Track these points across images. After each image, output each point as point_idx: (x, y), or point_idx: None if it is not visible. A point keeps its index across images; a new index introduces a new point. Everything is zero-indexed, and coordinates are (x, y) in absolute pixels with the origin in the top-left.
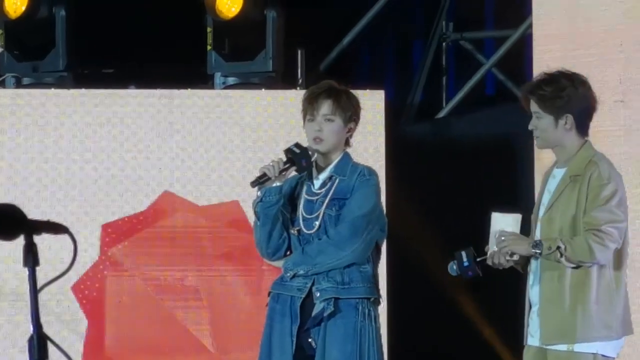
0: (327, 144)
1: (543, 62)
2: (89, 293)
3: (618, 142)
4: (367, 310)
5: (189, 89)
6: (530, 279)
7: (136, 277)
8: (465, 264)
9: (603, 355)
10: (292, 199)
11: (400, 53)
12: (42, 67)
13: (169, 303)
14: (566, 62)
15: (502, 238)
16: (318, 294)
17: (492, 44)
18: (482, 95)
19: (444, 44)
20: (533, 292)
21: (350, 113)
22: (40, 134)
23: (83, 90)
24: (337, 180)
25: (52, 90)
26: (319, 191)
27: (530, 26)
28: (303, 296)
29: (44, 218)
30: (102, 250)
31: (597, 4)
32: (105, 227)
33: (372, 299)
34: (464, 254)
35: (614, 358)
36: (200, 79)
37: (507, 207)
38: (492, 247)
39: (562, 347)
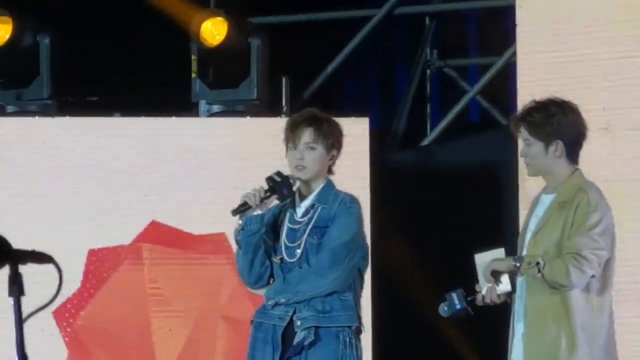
0: (309, 171)
1: (527, 89)
2: (73, 322)
3: (600, 170)
4: (348, 339)
5: (174, 117)
6: (515, 305)
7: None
8: (457, 306)
9: None
10: (275, 227)
11: (384, 80)
12: (26, 94)
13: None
14: (550, 89)
15: (485, 266)
16: (299, 323)
17: (476, 72)
18: (466, 123)
19: (428, 71)
20: (517, 319)
21: (332, 140)
22: (25, 162)
23: (67, 118)
24: (319, 209)
25: (36, 119)
26: (301, 219)
27: (514, 54)
28: (284, 325)
29: (29, 247)
30: (85, 277)
31: (581, 32)
32: (91, 254)
33: (353, 327)
34: (454, 296)
35: None
36: (184, 106)
37: (491, 234)
38: (482, 286)
39: None
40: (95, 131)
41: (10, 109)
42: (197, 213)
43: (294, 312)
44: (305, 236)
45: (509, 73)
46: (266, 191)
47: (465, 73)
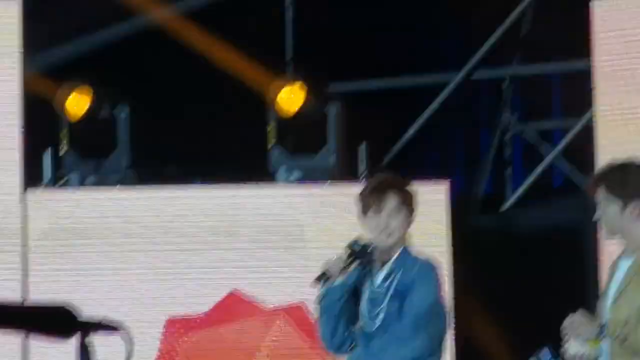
0: (395, 236)
1: (607, 151)
2: None
3: None
4: None
5: (253, 185)
6: None
7: None
8: None
9: None
10: (355, 292)
11: (468, 145)
12: (106, 165)
13: None
14: (629, 151)
15: (572, 321)
16: None
17: (560, 134)
18: (548, 187)
19: (507, 134)
20: None
21: (412, 206)
22: (103, 232)
23: (146, 188)
24: (398, 274)
25: (116, 188)
26: (381, 286)
27: (593, 116)
28: None
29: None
30: (163, 343)
31: None
32: (171, 323)
33: None
34: (547, 351)
35: None
36: (263, 174)
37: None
38: (571, 348)
39: None
40: (174, 201)
41: (90, 179)
42: (277, 283)
43: None
44: (385, 303)
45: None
46: (347, 260)
47: (549, 136)
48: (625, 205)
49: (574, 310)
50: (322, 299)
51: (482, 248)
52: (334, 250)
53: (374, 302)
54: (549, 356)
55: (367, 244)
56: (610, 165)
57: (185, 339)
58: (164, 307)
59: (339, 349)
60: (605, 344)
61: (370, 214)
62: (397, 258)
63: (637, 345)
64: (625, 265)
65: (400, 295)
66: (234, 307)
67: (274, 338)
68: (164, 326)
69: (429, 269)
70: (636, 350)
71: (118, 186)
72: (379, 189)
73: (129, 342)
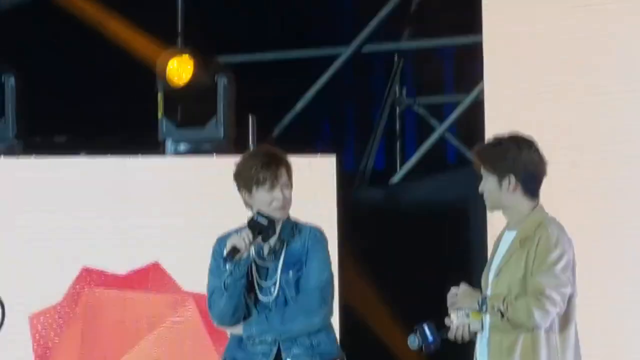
0: (288, 209)
1: (495, 126)
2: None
3: (568, 202)
4: None
5: (141, 156)
6: (479, 344)
7: None
8: (430, 338)
9: None
10: None
11: (359, 119)
12: None
13: None
14: (517, 126)
15: (454, 294)
16: None
17: (451, 109)
18: (440, 161)
19: (397, 108)
20: (481, 354)
21: (292, 176)
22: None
23: (33, 158)
24: (285, 244)
25: (1, 159)
26: (269, 256)
27: (483, 91)
28: None
29: None
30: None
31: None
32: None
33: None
34: (426, 327)
35: None
36: (152, 145)
37: (460, 272)
38: (453, 319)
39: None
40: (61, 171)
41: None
42: (165, 251)
43: (278, 349)
44: (278, 274)
45: (481, 110)
46: (253, 234)
47: (440, 111)
48: (501, 180)
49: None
50: (229, 275)
51: (370, 221)
52: (220, 222)
53: (264, 273)
54: (428, 332)
55: (270, 217)
56: (487, 141)
57: (92, 290)
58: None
59: (236, 323)
60: (486, 318)
61: (263, 188)
62: (281, 228)
63: (515, 319)
64: (508, 238)
65: (294, 266)
66: (152, 276)
67: (177, 319)
68: (78, 274)
69: (319, 236)
70: (515, 324)
71: (2, 156)
72: (274, 164)
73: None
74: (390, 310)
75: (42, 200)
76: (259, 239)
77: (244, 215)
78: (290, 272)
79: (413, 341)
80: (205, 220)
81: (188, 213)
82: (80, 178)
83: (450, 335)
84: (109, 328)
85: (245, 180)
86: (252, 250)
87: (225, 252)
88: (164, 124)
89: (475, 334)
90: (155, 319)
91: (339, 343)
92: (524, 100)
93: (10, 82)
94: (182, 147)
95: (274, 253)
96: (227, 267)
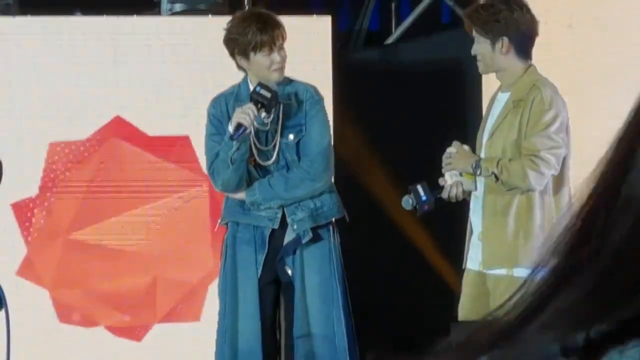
0: (284, 71)
1: None
2: (34, 219)
3: (565, 67)
4: (335, 230)
5: (135, 16)
6: (474, 204)
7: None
8: (423, 198)
9: None
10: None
11: None
12: None
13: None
14: None
15: (449, 155)
16: (295, 226)
17: None
18: (436, 23)
19: None
20: (475, 218)
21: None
22: None
23: (28, 17)
24: (281, 106)
25: None
26: (266, 120)
27: None
28: (276, 226)
29: None
30: (45, 172)
31: None
32: (53, 146)
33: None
34: (419, 188)
35: None
36: (147, 5)
37: (455, 132)
38: (447, 179)
39: (502, 272)
40: (56, 30)
41: None
42: (159, 113)
43: (283, 213)
44: (277, 137)
45: None
46: (257, 107)
47: None
48: (493, 42)
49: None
50: (236, 150)
51: (366, 81)
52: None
53: (262, 137)
54: (422, 192)
55: (271, 87)
56: (478, 4)
57: (118, 141)
58: (47, 135)
59: (238, 190)
60: (480, 179)
61: (261, 52)
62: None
63: (510, 181)
64: (502, 99)
65: (293, 128)
66: (117, 130)
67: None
68: (47, 151)
69: (317, 97)
70: (509, 186)
71: None
72: (271, 27)
73: None
74: (386, 169)
75: (38, 59)
76: (263, 111)
77: (239, 75)
78: (291, 135)
79: (406, 202)
80: (201, 80)
81: (182, 73)
82: (74, 37)
83: (444, 194)
84: (116, 184)
85: (242, 45)
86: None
87: (230, 129)
88: None
89: (469, 193)
90: (164, 189)
91: (340, 202)
92: None
93: None
94: (178, 7)
95: (272, 117)
96: (234, 143)
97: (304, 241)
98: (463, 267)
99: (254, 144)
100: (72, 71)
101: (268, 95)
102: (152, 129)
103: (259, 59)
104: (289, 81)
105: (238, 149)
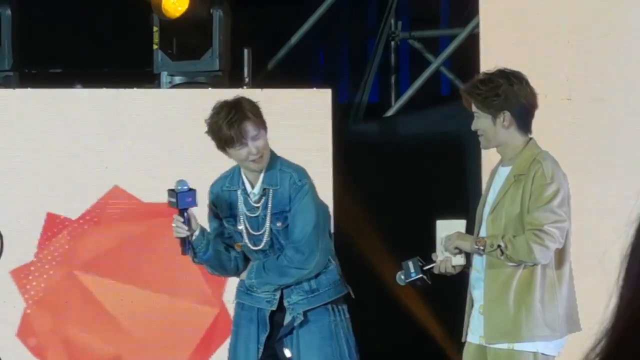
0: (267, 156)
1: (490, 60)
2: (31, 289)
3: (564, 140)
4: (337, 307)
5: (136, 88)
6: (474, 277)
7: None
8: (413, 274)
9: (543, 354)
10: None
11: (354, 53)
12: None
13: (116, 302)
14: (513, 59)
15: (447, 237)
16: (290, 309)
17: (447, 43)
18: (436, 95)
19: (392, 42)
20: (477, 291)
21: (263, 119)
22: None
23: (29, 90)
24: (270, 192)
25: None
26: (256, 205)
27: (477, 25)
28: (273, 308)
29: None
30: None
31: (544, 1)
32: (50, 218)
33: (340, 298)
34: (410, 264)
35: (554, 357)
36: (146, 78)
37: (454, 207)
38: (439, 254)
39: (503, 346)
40: (57, 103)
41: None
42: (157, 184)
43: (281, 295)
44: (267, 224)
45: (476, 44)
46: (180, 213)
47: (435, 45)
48: (495, 117)
49: (455, 217)
50: (194, 258)
51: (365, 153)
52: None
53: (254, 223)
54: (412, 269)
55: (175, 190)
56: (478, 77)
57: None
58: (45, 207)
59: (235, 273)
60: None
61: (234, 147)
62: (265, 175)
63: (515, 256)
64: (503, 173)
65: (281, 216)
66: (115, 198)
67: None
68: (45, 221)
69: (299, 183)
70: (514, 261)
71: None
72: (237, 121)
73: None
74: (384, 240)
75: (38, 132)
76: (186, 214)
77: None
78: (279, 223)
79: (399, 278)
80: (201, 152)
81: (181, 145)
82: (75, 110)
83: (435, 269)
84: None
85: (216, 140)
86: (241, 201)
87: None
88: (159, 57)
89: (462, 269)
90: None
91: (342, 278)
92: (519, 35)
93: (6, 13)
94: (177, 79)
95: (262, 202)
96: (190, 254)
97: (295, 324)
98: (462, 340)
99: (248, 229)
100: (71, 142)
101: (173, 199)
102: (151, 199)
103: (234, 152)
104: (280, 163)
105: (195, 256)
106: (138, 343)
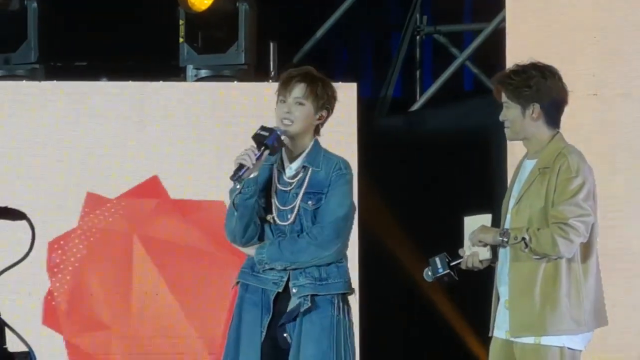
0: (296, 126)
1: (516, 55)
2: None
3: (590, 136)
4: (342, 304)
5: (161, 82)
6: (500, 271)
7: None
8: (440, 270)
9: (570, 348)
10: (264, 187)
11: (379, 47)
12: (14, 59)
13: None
14: (539, 54)
15: (471, 233)
16: (295, 290)
17: (471, 38)
18: (459, 90)
19: (417, 37)
20: (502, 286)
21: (323, 101)
22: (12, 127)
23: (55, 83)
24: (309, 171)
25: (24, 83)
26: (291, 180)
27: (504, 19)
28: (280, 290)
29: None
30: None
31: None
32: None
33: (346, 294)
34: (437, 260)
35: (580, 351)
36: (172, 71)
37: (480, 201)
38: (467, 250)
39: (529, 340)
40: (82, 96)
41: None
42: (184, 177)
43: (288, 278)
44: (298, 201)
45: (501, 39)
46: (258, 148)
47: (460, 40)
48: (524, 109)
49: (481, 211)
50: (238, 194)
51: (390, 148)
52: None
53: (284, 197)
54: (439, 265)
55: (273, 128)
56: (511, 68)
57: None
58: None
59: (247, 243)
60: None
61: (279, 101)
62: (307, 154)
63: (539, 249)
64: (528, 166)
65: (315, 196)
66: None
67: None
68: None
69: (344, 169)
70: (539, 254)
71: (25, 80)
72: (288, 78)
73: (32, 228)
74: (409, 235)
75: (63, 124)
76: (266, 152)
77: None
78: (310, 202)
79: (426, 274)
80: (226, 145)
81: (206, 139)
82: (100, 103)
83: (462, 265)
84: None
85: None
86: (275, 175)
87: (232, 172)
88: (185, 50)
89: (489, 263)
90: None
91: (349, 277)
92: (544, 29)
93: (33, 6)
94: (203, 73)
95: (297, 180)
96: (236, 187)
97: (302, 309)
98: (489, 334)
99: (275, 203)
100: (97, 135)
101: (266, 133)
102: (177, 194)
103: (277, 107)
104: (322, 152)
105: (240, 192)
106: (162, 329)
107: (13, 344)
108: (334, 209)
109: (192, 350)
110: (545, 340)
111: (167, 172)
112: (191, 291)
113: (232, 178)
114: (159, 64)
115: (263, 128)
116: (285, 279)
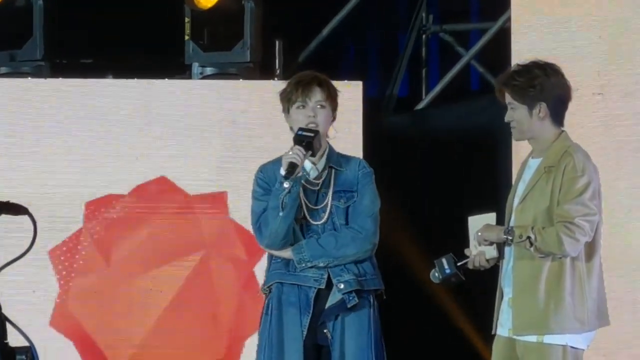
0: (321, 129)
1: (521, 54)
2: (68, 264)
3: (595, 135)
4: (376, 303)
5: (167, 79)
6: (504, 269)
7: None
8: (447, 271)
9: (572, 347)
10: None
11: (385, 46)
12: (20, 56)
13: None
14: (544, 54)
15: (476, 232)
16: (342, 286)
17: (477, 37)
18: (465, 89)
19: (423, 36)
20: (506, 283)
21: (336, 103)
22: (17, 123)
23: (60, 80)
24: (334, 172)
25: (29, 80)
26: (317, 181)
27: (509, 18)
28: (322, 287)
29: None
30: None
31: None
32: (88, 205)
33: (378, 292)
34: (444, 261)
35: (583, 350)
36: (177, 69)
37: (485, 200)
38: (472, 249)
39: (532, 338)
40: (88, 93)
41: (3, 70)
42: (189, 175)
43: (328, 275)
44: (329, 200)
45: (507, 38)
46: (305, 147)
47: (466, 39)
48: (531, 109)
49: (486, 210)
50: (287, 193)
51: (396, 147)
52: (247, 146)
53: (313, 197)
54: (446, 265)
55: (312, 129)
56: (514, 69)
57: (106, 215)
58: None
59: (286, 244)
60: (508, 247)
61: (296, 107)
62: (328, 155)
63: (544, 248)
64: (533, 165)
65: (345, 195)
66: (160, 189)
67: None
68: (85, 206)
69: (367, 167)
70: (544, 253)
71: (30, 77)
72: (304, 83)
73: (34, 223)
74: (415, 236)
75: (68, 121)
76: (309, 153)
77: (269, 140)
78: (342, 200)
79: (433, 275)
80: (231, 143)
81: (212, 136)
82: (106, 100)
83: (469, 264)
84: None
85: (283, 100)
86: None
87: (283, 171)
88: (190, 47)
89: (496, 262)
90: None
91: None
92: (550, 29)
93: (39, 3)
94: (209, 70)
95: (324, 180)
96: (286, 185)
97: (349, 305)
98: (492, 332)
99: (305, 203)
100: (102, 132)
101: (311, 134)
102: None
103: (294, 113)
104: (336, 154)
105: (289, 192)
106: (170, 327)
107: (13, 342)
108: (369, 205)
109: (206, 349)
110: (548, 339)
111: (173, 170)
112: (201, 290)
113: (286, 177)
114: (165, 62)
115: (303, 129)
116: (325, 276)
